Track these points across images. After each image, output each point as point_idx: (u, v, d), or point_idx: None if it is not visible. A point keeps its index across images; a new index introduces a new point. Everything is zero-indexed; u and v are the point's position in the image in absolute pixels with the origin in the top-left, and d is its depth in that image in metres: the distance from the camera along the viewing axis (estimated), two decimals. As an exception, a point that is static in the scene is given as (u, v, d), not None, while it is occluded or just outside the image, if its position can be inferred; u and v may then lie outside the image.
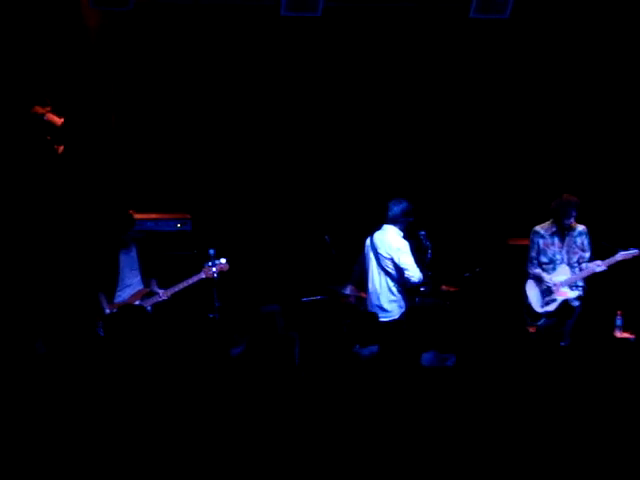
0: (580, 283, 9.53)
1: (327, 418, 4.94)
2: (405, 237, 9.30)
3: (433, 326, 6.64)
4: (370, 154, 11.35)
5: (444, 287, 9.89)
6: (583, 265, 9.48)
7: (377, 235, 9.44)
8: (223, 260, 9.35)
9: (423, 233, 9.59)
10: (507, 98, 11.26)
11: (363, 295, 10.14)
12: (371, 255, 9.45)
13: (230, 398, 5.15)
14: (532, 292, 9.63)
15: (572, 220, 9.47)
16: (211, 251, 9.31)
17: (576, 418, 5.04)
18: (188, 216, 10.53)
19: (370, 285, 9.47)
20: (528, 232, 10.79)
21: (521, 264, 10.24)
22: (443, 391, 5.18)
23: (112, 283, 9.23)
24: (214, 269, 9.27)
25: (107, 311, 9.01)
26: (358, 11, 10.68)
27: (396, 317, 9.15)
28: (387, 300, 9.35)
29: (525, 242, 10.53)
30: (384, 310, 9.25)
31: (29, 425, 4.96)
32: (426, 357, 6.23)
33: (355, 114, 11.29)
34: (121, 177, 10.76)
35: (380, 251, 9.37)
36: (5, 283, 9.70)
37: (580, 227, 9.55)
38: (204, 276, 9.29)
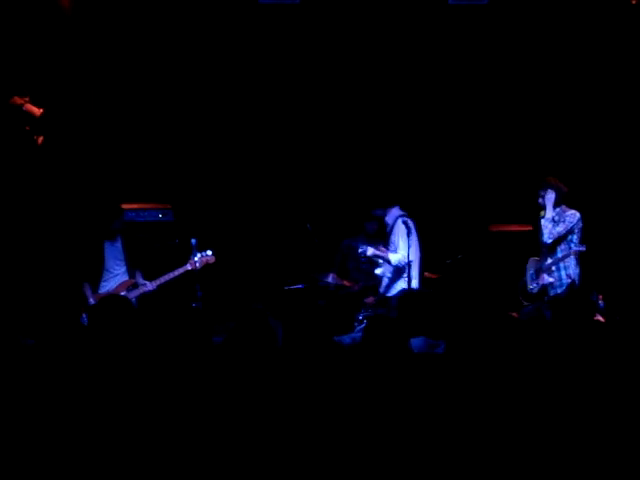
0: (561, 271, 9.29)
1: (314, 409, 4.95)
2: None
3: (423, 312, 6.64)
4: (352, 143, 11.34)
5: (426, 274, 9.91)
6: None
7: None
8: (209, 252, 9.32)
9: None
10: (488, 86, 11.26)
11: (346, 283, 10.16)
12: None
13: (215, 387, 5.14)
14: (529, 270, 9.56)
15: (540, 200, 9.32)
16: (193, 241, 9.29)
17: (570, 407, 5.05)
18: (169, 206, 10.49)
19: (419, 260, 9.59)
20: (509, 219, 10.85)
21: (502, 250, 10.30)
22: (432, 379, 5.17)
23: (97, 273, 9.21)
24: (199, 260, 9.26)
25: (91, 301, 9.00)
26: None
27: None
28: None
29: (506, 229, 10.58)
30: None
31: (17, 419, 4.96)
32: (415, 343, 6.23)
33: (336, 105, 11.28)
34: (101, 167, 10.73)
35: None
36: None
37: (569, 212, 9.26)
38: (190, 268, 9.28)
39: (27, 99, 9.93)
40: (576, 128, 11.18)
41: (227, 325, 6.46)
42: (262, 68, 11.07)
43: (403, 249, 9.34)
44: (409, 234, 9.31)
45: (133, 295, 9.11)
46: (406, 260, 9.30)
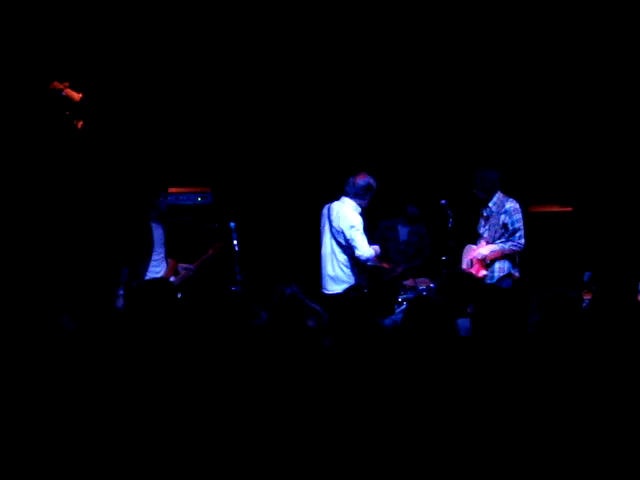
0: (497, 264, 9.18)
1: (356, 390, 4.94)
2: (362, 213, 9.17)
3: (466, 294, 6.58)
4: (388, 126, 11.32)
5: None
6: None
7: (335, 206, 9.24)
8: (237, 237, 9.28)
9: (444, 202, 9.57)
10: (524, 69, 11.20)
11: (385, 265, 10.13)
12: (326, 225, 9.29)
13: (255, 370, 5.15)
14: (465, 257, 9.46)
15: (477, 193, 9.24)
16: (232, 224, 9.29)
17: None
18: (208, 189, 10.51)
19: (322, 254, 9.35)
20: (550, 200, 10.78)
21: (543, 231, 10.24)
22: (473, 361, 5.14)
23: (146, 255, 9.08)
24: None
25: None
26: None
27: (338, 292, 8.94)
28: (335, 273, 9.25)
29: (546, 209, 10.51)
30: (332, 282, 9.21)
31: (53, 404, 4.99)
32: (463, 324, 6.17)
33: (366, 90, 11.27)
34: (141, 152, 10.78)
35: (334, 224, 9.21)
36: (28, 259, 9.72)
37: (508, 204, 9.16)
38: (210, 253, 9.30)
39: (67, 84, 9.98)
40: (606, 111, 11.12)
41: (262, 310, 6.46)
42: (298, 53, 11.07)
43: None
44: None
45: (177, 281, 9.05)
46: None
